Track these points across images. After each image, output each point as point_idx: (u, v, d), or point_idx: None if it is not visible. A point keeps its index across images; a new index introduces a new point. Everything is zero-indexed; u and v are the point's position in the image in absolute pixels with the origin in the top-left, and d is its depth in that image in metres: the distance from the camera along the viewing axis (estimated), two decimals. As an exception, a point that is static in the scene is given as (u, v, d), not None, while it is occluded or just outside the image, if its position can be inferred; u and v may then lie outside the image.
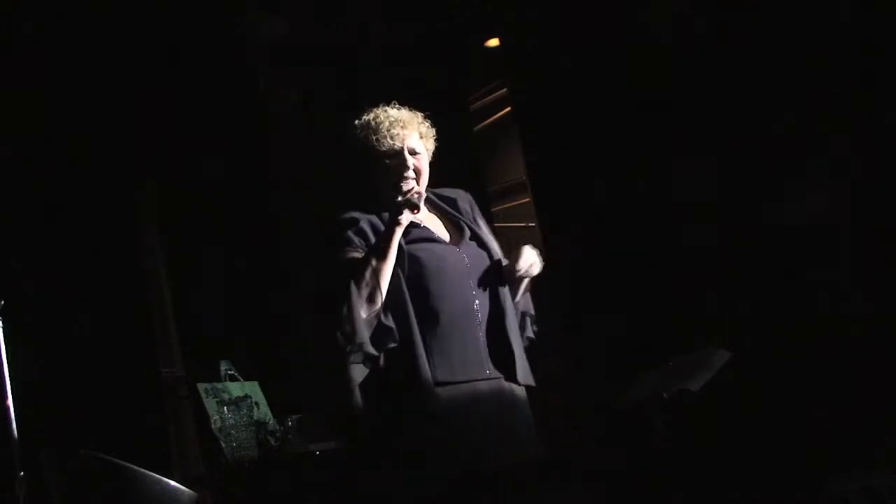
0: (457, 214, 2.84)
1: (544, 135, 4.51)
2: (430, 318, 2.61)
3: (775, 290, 3.73)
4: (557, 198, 4.49)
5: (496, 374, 2.68)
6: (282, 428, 3.73)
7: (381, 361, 2.59)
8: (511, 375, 2.71)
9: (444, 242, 2.75)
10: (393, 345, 2.57)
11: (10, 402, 2.83)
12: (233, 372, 4.00)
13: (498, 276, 2.74)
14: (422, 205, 2.68)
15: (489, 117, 5.29)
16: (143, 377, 4.47)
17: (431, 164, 2.83)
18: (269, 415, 3.87)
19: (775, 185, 3.73)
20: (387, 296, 2.58)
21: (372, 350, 2.55)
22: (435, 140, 2.86)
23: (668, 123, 4.00)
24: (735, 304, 3.82)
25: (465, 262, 2.71)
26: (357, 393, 2.58)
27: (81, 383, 4.25)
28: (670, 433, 3.55)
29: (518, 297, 2.80)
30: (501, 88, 5.04)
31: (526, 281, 2.79)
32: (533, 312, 2.88)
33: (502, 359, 2.69)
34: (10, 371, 2.88)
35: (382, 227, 2.67)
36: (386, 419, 2.61)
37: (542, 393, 2.84)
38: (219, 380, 3.95)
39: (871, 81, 3.49)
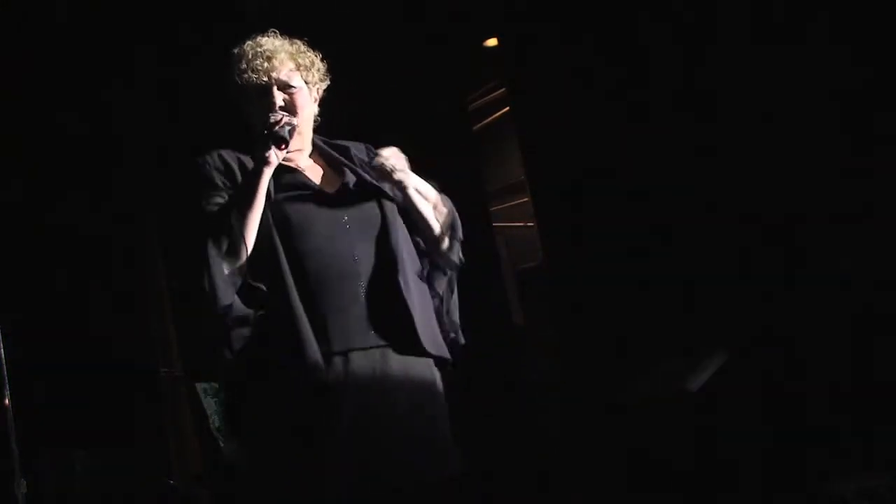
0: (345, 160, 2.45)
1: (543, 134, 4.51)
2: (297, 274, 2.22)
3: (775, 289, 3.73)
4: (556, 197, 4.49)
5: (385, 341, 2.25)
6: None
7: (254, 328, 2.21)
8: (409, 343, 2.27)
9: (320, 190, 2.37)
10: (261, 308, 2.21)
11: (7, 401, 2.82)
12: (232, 372, 4.00)
13: (389, 227, 2.34)
14: (305, 148, 2.40)
15: (489, 117, 5.29)
16: (142, 377, 4.47)
17: (329, 104, 2.48)
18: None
19: (775, 183, 3.74)
20: (255, 250, 2.22)
21: (243, 310, 2.19)
22: (326, 73, 2.48)
23: (668, 123, 4.00)
24: (735, 303, 3.81)
25: (343, 213, 2.32)
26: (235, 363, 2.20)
27: (81, 383, 4.25)
28: (668, 432, 3.55)
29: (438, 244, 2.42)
30: (501, 88, 5.04)
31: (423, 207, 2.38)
32: (446, 286, 2.47)
33: (395, 323, 2.26)
34: (8, 371, 2.88)
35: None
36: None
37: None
38: (217, 379, 3.95)
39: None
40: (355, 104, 4.24)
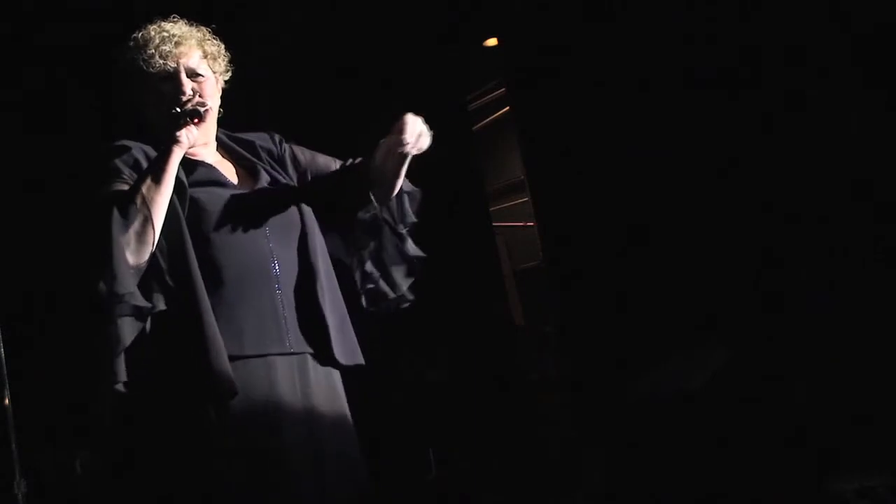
0: (251, 157, 2.35)
1: (543, 134, 4.50)
2: (212, 273, 2.10)
3: (775, 288, 3.73)
4: (556, 197, 4.48)
5: (302, 348, 2.20)
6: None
7: (154, 327, 2.04)
8: (324, 352, 2.22)
9: (232, 186, 2.26)
10: (162, 306, 2.04)
11: (7, 401, 2.82)
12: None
13: (308, 233, 2.27)
14: (210, 143, 2.29)
15: (488, 117, 5.29)
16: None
17: (229, 96, 2.37)
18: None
19: (776, 184, 3.74)
20: (161, 241, 2.06)
21: (142, 301, 2.00)
22: (229, 64, 2.37)
23: (666, 122, 4.00)
24: (735, 302, 3.81)
25: (262, 214, 2.21)
26: (122, 364, 2.00)
27: (81, 383, 4.24)
28: (669, 432, 3.55)
29: (393, 194, 2.33)
30: (500, 88, 5.04)
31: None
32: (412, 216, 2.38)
33: (312, 330, 2.21)
34: (8, 370, 2.87)
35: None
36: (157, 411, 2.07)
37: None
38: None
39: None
40: (354, 103, 4.27)
